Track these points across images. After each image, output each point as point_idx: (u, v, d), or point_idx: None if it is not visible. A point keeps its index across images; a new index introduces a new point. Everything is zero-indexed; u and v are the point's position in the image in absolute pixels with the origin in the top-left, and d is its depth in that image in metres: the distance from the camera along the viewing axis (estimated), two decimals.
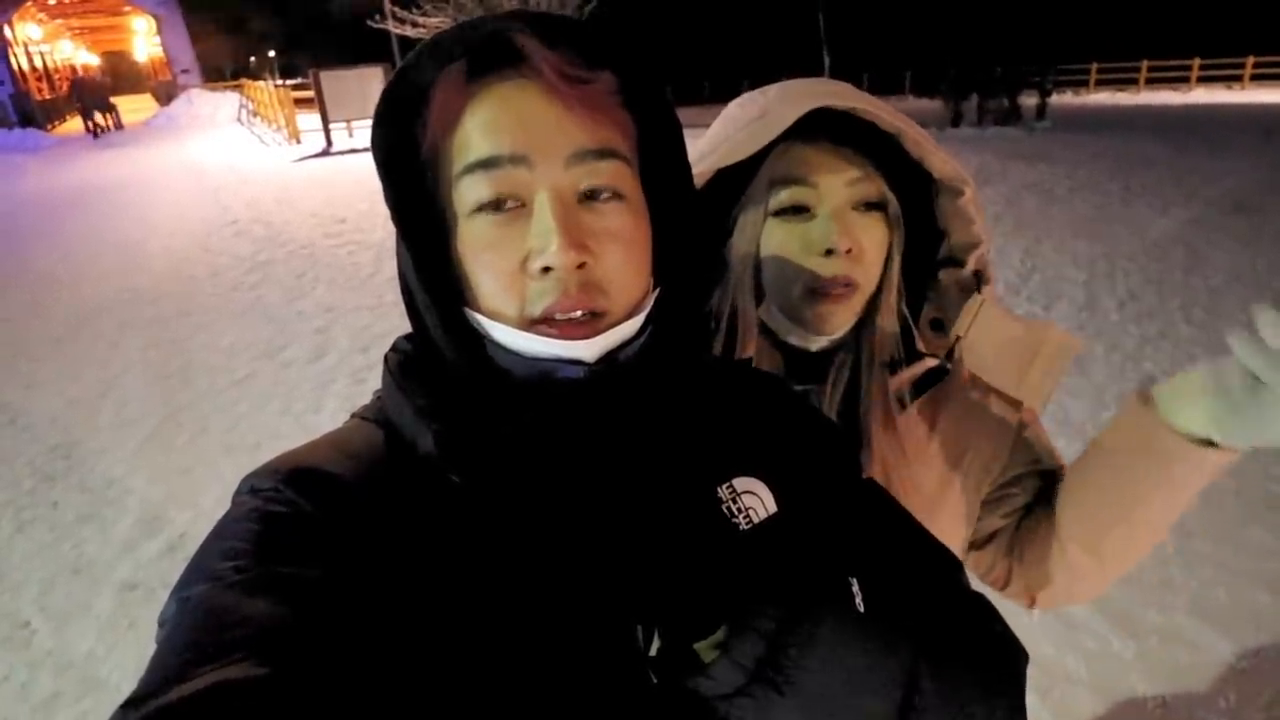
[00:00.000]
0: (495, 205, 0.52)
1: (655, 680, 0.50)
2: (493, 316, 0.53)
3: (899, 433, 0.85)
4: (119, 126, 22.95)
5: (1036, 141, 13.07)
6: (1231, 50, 24.59)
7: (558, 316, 0.51)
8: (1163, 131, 13.86)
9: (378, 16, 18.34)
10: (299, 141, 16.10)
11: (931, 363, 0.88)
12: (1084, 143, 12.61)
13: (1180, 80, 24.85)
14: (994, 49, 15.56)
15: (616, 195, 0.54)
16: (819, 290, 0.81)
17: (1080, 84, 25.34)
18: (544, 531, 0.50)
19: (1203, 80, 24.74)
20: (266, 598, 0.44)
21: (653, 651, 0.50)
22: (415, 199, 0.55)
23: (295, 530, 0.49)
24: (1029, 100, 15.93)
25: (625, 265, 0.53)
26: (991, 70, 15.69)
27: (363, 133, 15.99)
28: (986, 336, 0.85)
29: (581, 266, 0.51)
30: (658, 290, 0.57)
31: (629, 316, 0.54)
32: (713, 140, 0.84)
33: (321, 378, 4.54)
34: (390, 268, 6.72)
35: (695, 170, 0.82)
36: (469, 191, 0.52)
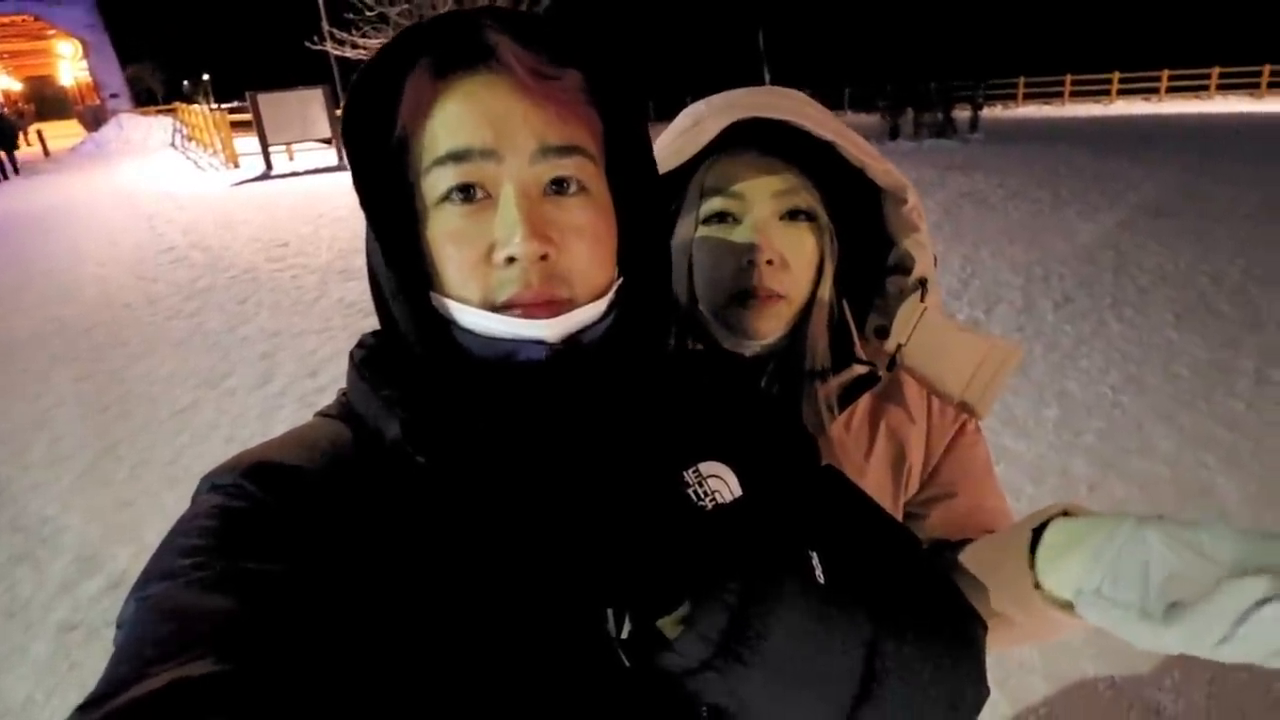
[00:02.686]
0: (463, 197, 0.53)
1: (627, 663, 0.50)
2: (459, 301, 0.54)
3: (832, 441, 0.86)
4: (44, 154, 22.09)
5: (970, 153, 13.53)
6: (1149, 65, 25.97)
7: (519, 304, 0.52)
8: (1087, 141, 14.49)
9: (315, 38, 18.10)
10: (237, 166, 15.72)
11: (860, 370, 0.88)
12: (1015, 153, 13.10)
13: (1102, 93, 26.05)
14: (927, 66, 16.13)
15: (581, 189, 0.55)
16: (742, 298, 0.82)
17: (1009, 98, 26.37)
18: (511, 516, 0.51)
19: (1123, 93, 25.97)
20: (227, 594, 0.44)
21: (624, 634, 0.50)
22: (384, 187, 0.55)
23: (257, 525, 0.48)
24: (962, 114, 16.52)
25: (587, 257, 0.54)
26: (926, 86, 16.25)
27: (304, 155, 15.74)
28: (929, 345, 0.85)
29: (544, 258, 0.52)
30: (621, 279, 0.58)
31: (591, 302, 0.55)
32: (655, 149, 0.85)
33: (267, 404, 4.42)
34: (336, 291, 6.60)
35: None
36: (438, 182, 0.53)
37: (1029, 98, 26.76)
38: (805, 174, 0.82)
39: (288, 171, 14.50)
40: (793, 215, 0.82)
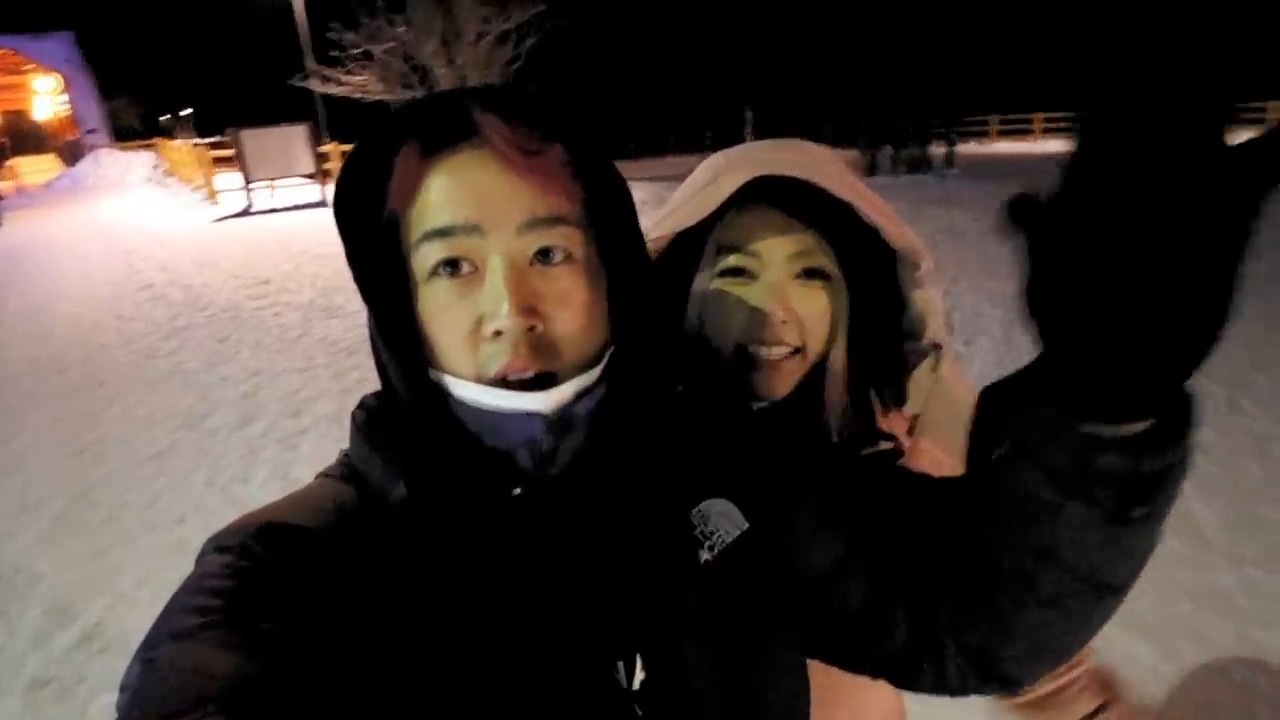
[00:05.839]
0: (450, 271, 0.54)
1: (640, 714, 0.52)
2: (453, 375, 0.55)
3: None
4: (19, 190, 21.91)
5: (947, 188, 13.80)
6: None
7: (510, 378, 0.53)
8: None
9: (300, 75, 18.18)
10: (217, 202, 15.67)
11: (885, 445, 0.86)
12: (989, 189, 13.35)
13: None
14: (904, 102, 16.52)
15: (567, 258, 0.56)
16: (754, 355, 0.81)
17: (983, 134, 26.96)
18: (517, 576, 0.52)
19: None
20: (237, 653, 0.44)
21: (635, 685, 0.52)
22: (377, 262, 0.57)
23: (266, 585, 0.49)
24: (938, 150, 16.87)
25: (575, 326, 0.55)
26: (903, 122, 16.61)
27: (286, 192, 15.72)
28: (947, 411, 0.84)
29: (531, 329, 0.53)
30: (614, 346, 0.59)
31: (582, 372, 0.56)
32: (674, 202, 0.85)
33: (249, 445, 4.35)
34: (319, 329, 6.56)
35: (656, 231, 0.82)
36: (426, 257, 0.55)
37: (1002, 134, 27.39)
38: (822, 234, 0.82)
39: (269, 208, 14.46)
40: (808, 275, 0.82)
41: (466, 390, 0.54)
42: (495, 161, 0.54)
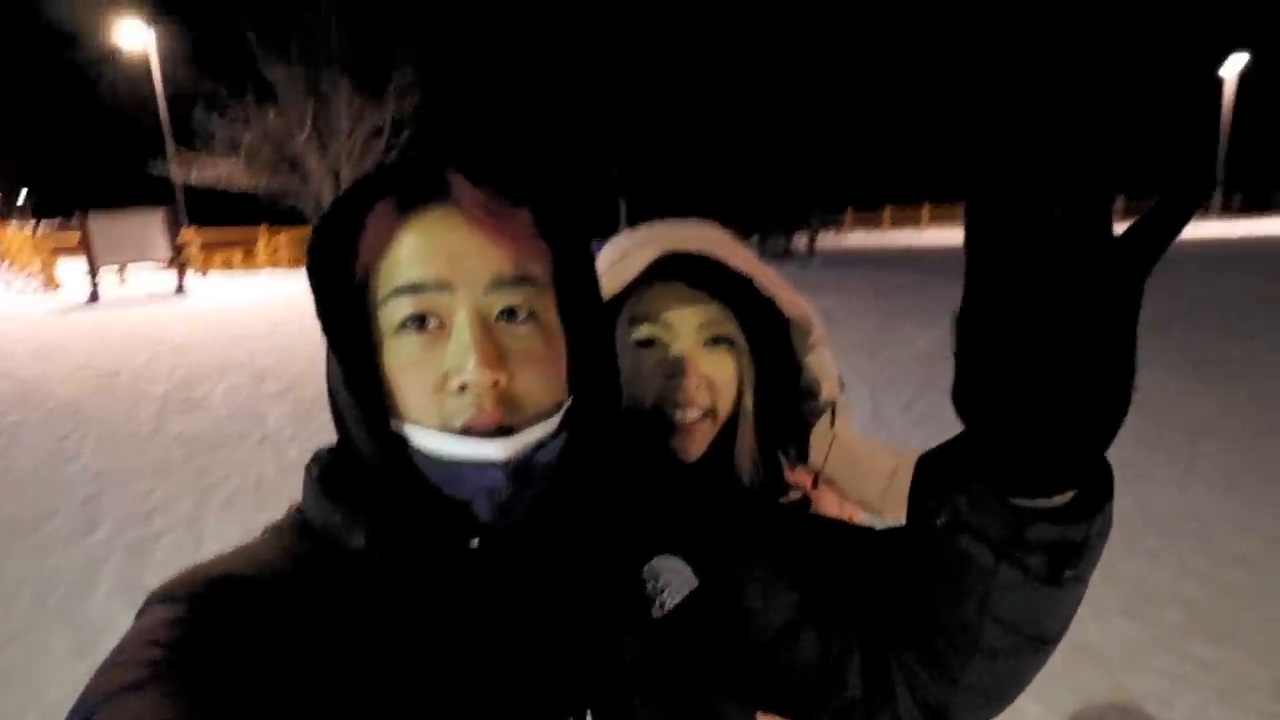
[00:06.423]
0: (418, 326, 0.55)
1: None
2: (415, 425, 0.55)
3: None
4: None
5: (811, 275, 14.76)
6: (953, 197, 29.88)
7: (474, 430, 0.54)
8: (910, 264, 16.24)
9: (158, 160, 17.32)
10: (57, 288, 14.41)
11: (794, 496, 0.93)
12: (850, 275, 14.43)
13: (916, 221, 29.55)
14: (770, 196, 17.79)
15: (531, 316, 0.58)
16: (670, 418, 0.86)
17: (838, 225, 29.30)
18: (470, 631, 0.53)
19: (933, 221, 29.56)
20: (183, 705, 0.43)
21: None
22: (345, 317, 0.58)
23: (214, 637, 0.48)
24: (800, 241, 18.14)
25: (537, 382, 0.57)
26: (769, 214, 17.84)
27: (140, 280, 14.72)
28: (844, 462, 0.91)
29: (496, 384, 0.54)
30: (571, 399, 0.60)
31: (540, 422, 0.57)
32: None
33: (91, 556, 3.87)
34: (176, 424, 6.06)
35: None
36: (395, 312, 0.56)
37: (857, 225, 29.85)
38: (725, 304, 0.88)
39: (119, 297, 13.45)
40: (715, 342, 0.88)
41: (429, 439, 0.54)
42: (466, 222, 0.56)
